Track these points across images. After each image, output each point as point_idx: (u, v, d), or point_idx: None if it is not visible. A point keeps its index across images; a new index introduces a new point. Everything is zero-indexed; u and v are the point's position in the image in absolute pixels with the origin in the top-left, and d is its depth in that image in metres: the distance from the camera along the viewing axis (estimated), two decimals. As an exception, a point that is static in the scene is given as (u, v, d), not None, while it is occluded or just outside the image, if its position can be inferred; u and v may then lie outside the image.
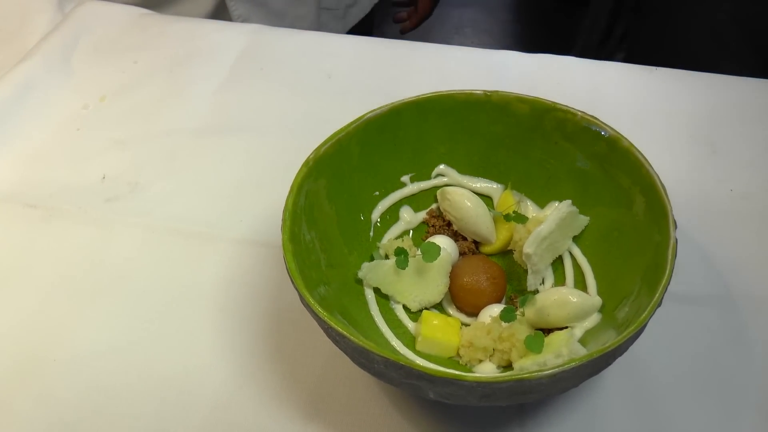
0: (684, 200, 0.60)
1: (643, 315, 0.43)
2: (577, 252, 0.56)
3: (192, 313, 0.57)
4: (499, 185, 0.59)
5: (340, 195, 0.54)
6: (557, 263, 0.56)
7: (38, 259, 0.62)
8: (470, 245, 0.58)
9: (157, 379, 0.53)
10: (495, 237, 0.57)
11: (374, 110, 0.55)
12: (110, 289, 0.59)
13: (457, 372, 0.39)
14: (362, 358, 0.42)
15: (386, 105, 0.56)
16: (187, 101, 0.75)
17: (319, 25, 1.01)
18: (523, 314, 0.51)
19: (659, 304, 0.44)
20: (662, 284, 0.44)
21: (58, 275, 0.60)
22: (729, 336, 0.54)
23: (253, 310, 0.57)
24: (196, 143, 0.71)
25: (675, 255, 0.46)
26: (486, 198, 0.59)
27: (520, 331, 0.49)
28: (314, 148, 0.53)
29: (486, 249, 0.58)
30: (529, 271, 0.54)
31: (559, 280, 0.55)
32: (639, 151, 0.52)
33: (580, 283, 0.54)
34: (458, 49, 0.80)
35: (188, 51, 0.80)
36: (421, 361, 0.49)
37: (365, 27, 1.13)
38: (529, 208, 0.58)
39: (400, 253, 0.53)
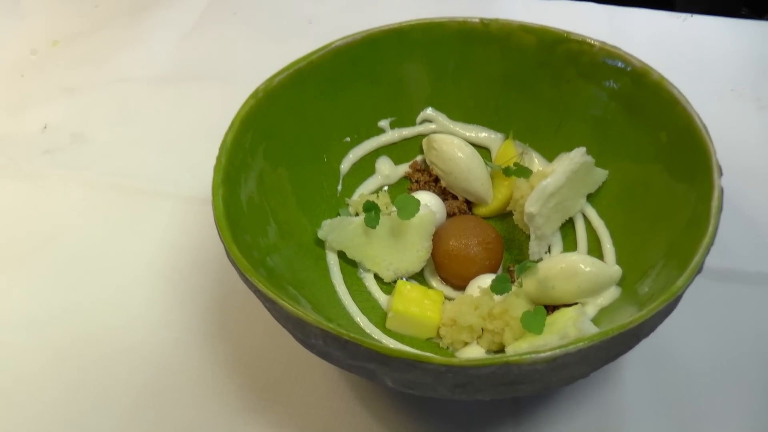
0: (726, 162, 0.50)
1: (677, 284, 0.32)
2: (592, 213, 0.45)
3: (130, 281, 0.48)
4: (498, 134, 0.49)
5: (298, 138, 0.44)
6: (567, 228, 0.46)
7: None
8: (461, 205, 0.47)
9: (80, 358, 0.44)
10: (492, 196, 0.47)
11: (346, 37, 0.45)
12: (38, 252, 0.50)
13: (418, 352, 0.29)
14: (298, 331, 0.32)
15: (361, 32, 0.46)
16: (149, 48, 0.66)
17: None
18: (521, 285, 0.40)
19: (699, 271, 0.33)
20: (703, 245, 0.33)
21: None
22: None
23: (199, 280, 0.47)
24: (151, 92, 0.61)
25: (721, 208, 0.35)
26: (483, 149, 0.49)
27: (516, 306, 0.38)
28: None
29: (481, 210, 0.47)
30: (532, 236, 0.44)
31: (569, 248, 0.45)
32: (673, 85, 0.41)
33: (596, 251, 0.44)
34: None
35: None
36: (387, 341, 0.39)
37: None
38: (535, 162, 0.48)
39: (370, 208, 0.42)
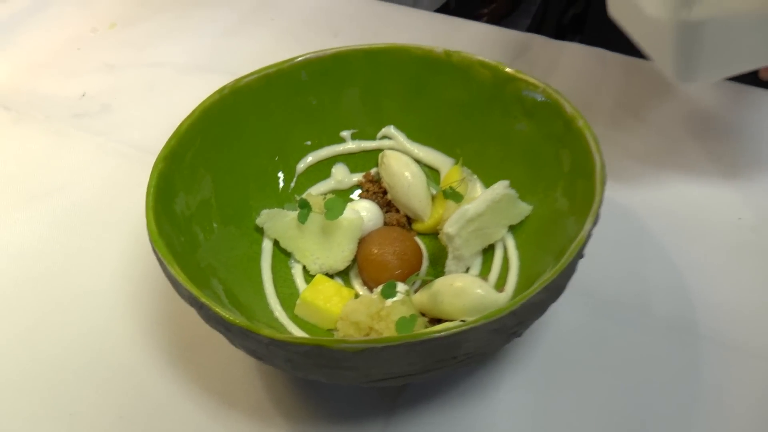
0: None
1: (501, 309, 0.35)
2: (511, 244, 0.48)
3: (109, 237, 0.54)
4: (449, 158, 0.52)
5: (261, 134, 0.50)
6: (490, 253, 0.49)
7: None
8: (401, 218, 0.51)
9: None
10: (428, 214, 0.50)
11: (314, 52, 0.50)
12: (43, 198, 0.58)
13: (248, 322, 0.33)
14: (173, 285, 0.37)
15: (330, 49, 0.51)
16: (188, 39, 0.74)
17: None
18: (408, 294, 0.44)
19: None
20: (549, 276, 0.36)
21: (5, 174, 0.60)
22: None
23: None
24: (179, 79, 0.69)
25: (577, 255, 0.37)
26: (434, 170, 0.53)
27: (398, 311, 0.42)
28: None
29: (418, 226, 0.51)
30: (450, 256, 0.47)
31: (486, 273, 0.48)
32: (593, 135, 0.43)
33: (503, 280, 0.46)
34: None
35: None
36: (288, 324, 0.44)
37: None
38: (477, 188, 0.51)
39: (304, 206, 0.47)
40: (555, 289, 0.36)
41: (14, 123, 0.65)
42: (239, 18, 0.76)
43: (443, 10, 1.03)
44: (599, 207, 0.40)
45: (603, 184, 0.41)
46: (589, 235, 0.38)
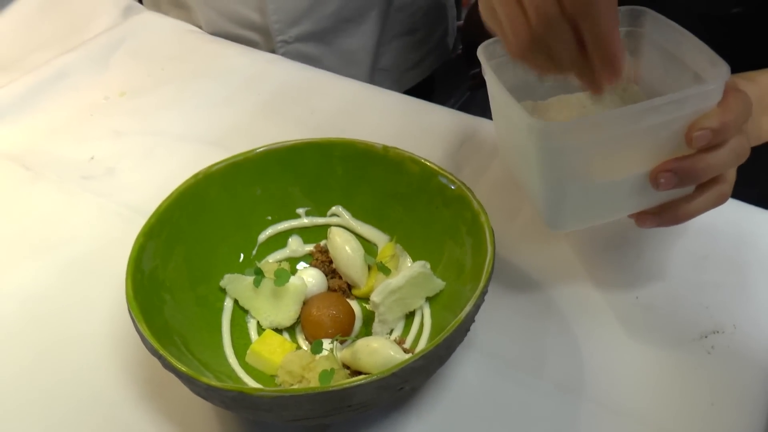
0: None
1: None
2: (427, 312, 0.58)
3: (103, 288, 0.65)
4: (385, 235, 0.63)
5: (228, 211, 0.60)
6: (411, 319, 0.59)
7: (12, 210, 0.73)
8: (342, 284, 0.61)
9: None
10: (364, 282, 0.61)
11: (275, 144, 0.61)
12: (52, 249, 0.69)
13: (191, 371, 0.44)
14: (141, 339, 0.47)
15: (288, 141, 0.62)
16: (185, 110, 0.85)
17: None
18: (331, 351, 0.54)
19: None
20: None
21: (21, 227, 0.72)
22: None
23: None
24: (176, 147, 0.80)
25: (453, 334, 0.47)
26: (373, 245, 0.63)
27: (322, 365, 0.52)
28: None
29: (357, 291, 0.61)
30: (376, 319, 0.57)
31: (406, 335, 0.58)
32: (490, 231, 0.54)
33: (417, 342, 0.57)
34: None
35: (215, 68, 0.90)
36: (237, 369, 0.54)
37: (424, 89, 1.13)
38: (407, 262, 0.61)
39: (258, 273, 0.58)
40: (435, 357, 0.47)
41: (32, 182, 0.76)
42: (231, 91, 0.87)
43: (429, 80, 1.14)
44: (484, 289, 0.50)
45: (489, 274, 0.51)
46: (469, 315, 0.48)
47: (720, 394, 0.55)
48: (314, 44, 0.98)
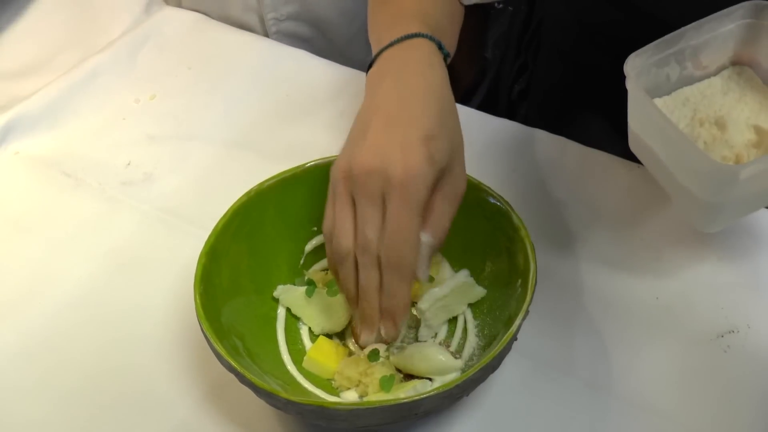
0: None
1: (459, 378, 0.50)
2: (470, 317, 0.63)
3: (152, 294, 0.69)
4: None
5: (276, 225, 0.64)
6: (454, 323, 0.63)
7: (57, 217, 0.76)
8: (386, 290, 0.66)
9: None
10: (408, 289, 0.65)
11: (322, 159, 0.65)
12: (101, 257, 0.72)
13: (273, 387, 0.48)
14: (217, 357, 0.51)
15: (333, 156, 0.65)
16: (216, 112, 0.87)
17: None
18: (387, 357, 0.59)
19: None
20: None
21: (66, 233, 0.75)
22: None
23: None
24: (210, 151, 0.83)
25: (505, 347, 0.52)
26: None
27: (380, 371, 0.57)
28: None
29: (399, 296, 0.66)
30: (422, 324, 0.62)
31: (450, 338, 0.62)
32: (531, 246, 0.58)
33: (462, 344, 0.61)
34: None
35: (241, 66, 0.92)
36: (296, 374, 0.58)
37: None
38: (446, 270, 0.65)
39: (310, 283, 0.62)
40: (489, 368, 0.51)
41: (73, 189, 0.79)
42: (258, 92, 0.89)
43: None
44: (528, 305, 0.54)
45: (533, 288, 0.55)
46: (518, 329, 0.53)
47: (736, 392, 0.61)
48: (307, 25, 1.00)
